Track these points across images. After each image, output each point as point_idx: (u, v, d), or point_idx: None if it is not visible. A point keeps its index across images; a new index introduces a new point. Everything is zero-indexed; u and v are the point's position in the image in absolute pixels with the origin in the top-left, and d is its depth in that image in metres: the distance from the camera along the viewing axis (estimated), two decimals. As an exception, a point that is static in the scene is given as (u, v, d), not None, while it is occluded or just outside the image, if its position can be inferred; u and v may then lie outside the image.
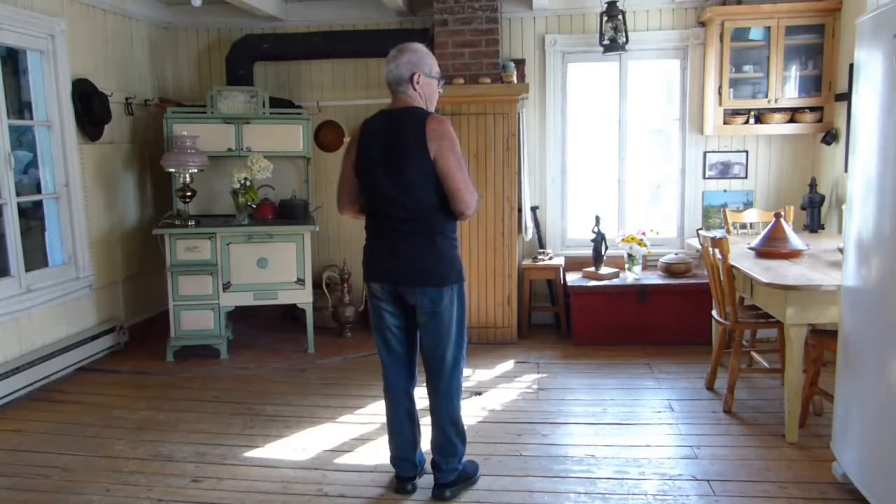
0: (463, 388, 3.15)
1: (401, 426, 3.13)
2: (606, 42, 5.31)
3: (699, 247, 4.38)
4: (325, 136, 5.98)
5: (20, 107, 4.95)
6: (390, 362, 3.09)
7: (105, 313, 5.19)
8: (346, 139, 5.94)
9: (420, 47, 2.94)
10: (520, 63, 5.49)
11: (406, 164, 2.80)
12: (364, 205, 3.02)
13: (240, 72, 5.61)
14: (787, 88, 5.19)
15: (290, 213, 5.31)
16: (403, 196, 2.84)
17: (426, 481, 3.16)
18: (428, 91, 2.94)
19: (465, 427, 3.16)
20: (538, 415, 3.96)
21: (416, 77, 2.86)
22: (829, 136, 5.08)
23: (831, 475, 3.12)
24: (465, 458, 3.17)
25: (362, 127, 2.96)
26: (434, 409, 3.08)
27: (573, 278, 5.39)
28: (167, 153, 5.06)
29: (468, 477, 3.17)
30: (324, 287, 5.61)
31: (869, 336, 2.82)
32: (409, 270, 2.90)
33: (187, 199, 5.03)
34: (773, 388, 4.21)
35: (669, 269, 5.35)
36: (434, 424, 3.09)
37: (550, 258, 5.62)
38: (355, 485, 3.19)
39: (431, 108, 2.98)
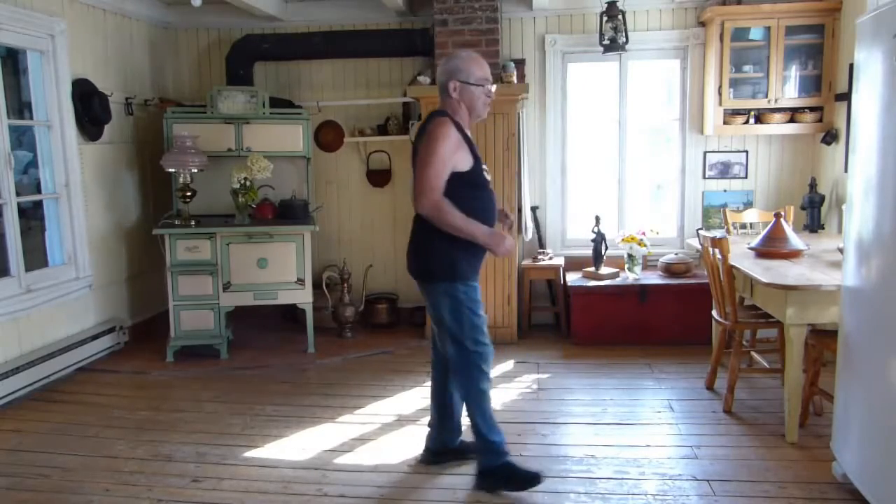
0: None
1: None
2: (606, 42, 5.30)
3: (699, 247, 4.38)
4: (325, 136, 5.98)
5: (20, 107, 4.97)
6: None
7: (105, 313, 5.19)
8: (346, 139, 5.94)
9: (462, 54, 2.97)
10: (520, 63, 5.48)
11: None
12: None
13: (240, 72, 5.61)
14: (787, 88, 5.19)
15: (290, 213, 5.30)
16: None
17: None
18: (466, 97, 2.93)
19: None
20: (538, 415, 3.96)
21: (451, 85, 2.91)
22: (829, 136, 5.08)
23: (831, 475, 3.12)
24: None
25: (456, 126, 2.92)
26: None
27: (573, 278, 5.39)
28: (167, 153, 5.06)
29: None
30: (324, 287, 5.61)
31: (869, 336, 2.82)
32: None
33: (187, 199, 5.03)
34: (773, 388, 4.21)
35: (669, 269, 5.35)
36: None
37: (550, 258, 5.61)
38: (355, 485, 3.19)
39: (475, 114, 2.99)
